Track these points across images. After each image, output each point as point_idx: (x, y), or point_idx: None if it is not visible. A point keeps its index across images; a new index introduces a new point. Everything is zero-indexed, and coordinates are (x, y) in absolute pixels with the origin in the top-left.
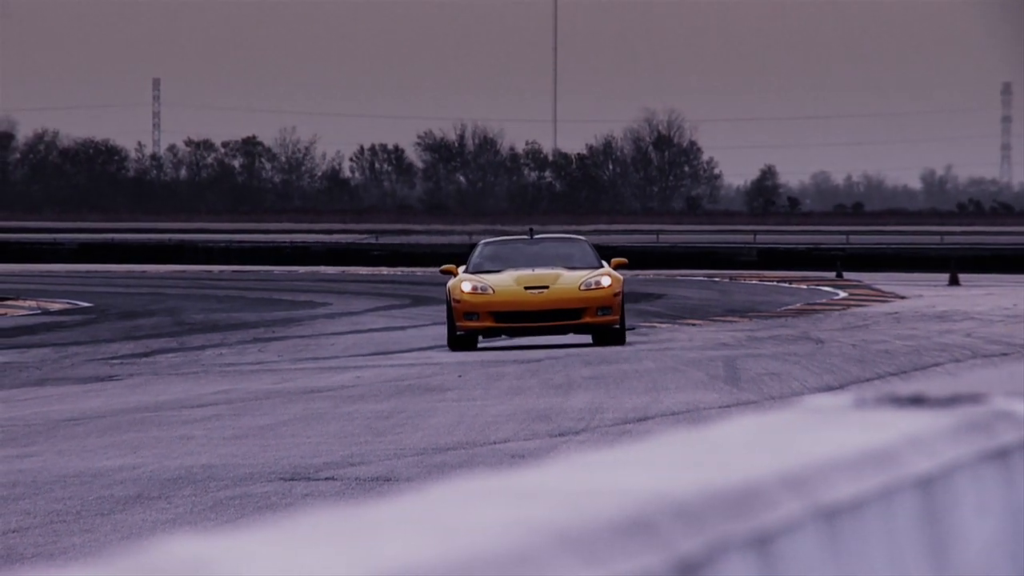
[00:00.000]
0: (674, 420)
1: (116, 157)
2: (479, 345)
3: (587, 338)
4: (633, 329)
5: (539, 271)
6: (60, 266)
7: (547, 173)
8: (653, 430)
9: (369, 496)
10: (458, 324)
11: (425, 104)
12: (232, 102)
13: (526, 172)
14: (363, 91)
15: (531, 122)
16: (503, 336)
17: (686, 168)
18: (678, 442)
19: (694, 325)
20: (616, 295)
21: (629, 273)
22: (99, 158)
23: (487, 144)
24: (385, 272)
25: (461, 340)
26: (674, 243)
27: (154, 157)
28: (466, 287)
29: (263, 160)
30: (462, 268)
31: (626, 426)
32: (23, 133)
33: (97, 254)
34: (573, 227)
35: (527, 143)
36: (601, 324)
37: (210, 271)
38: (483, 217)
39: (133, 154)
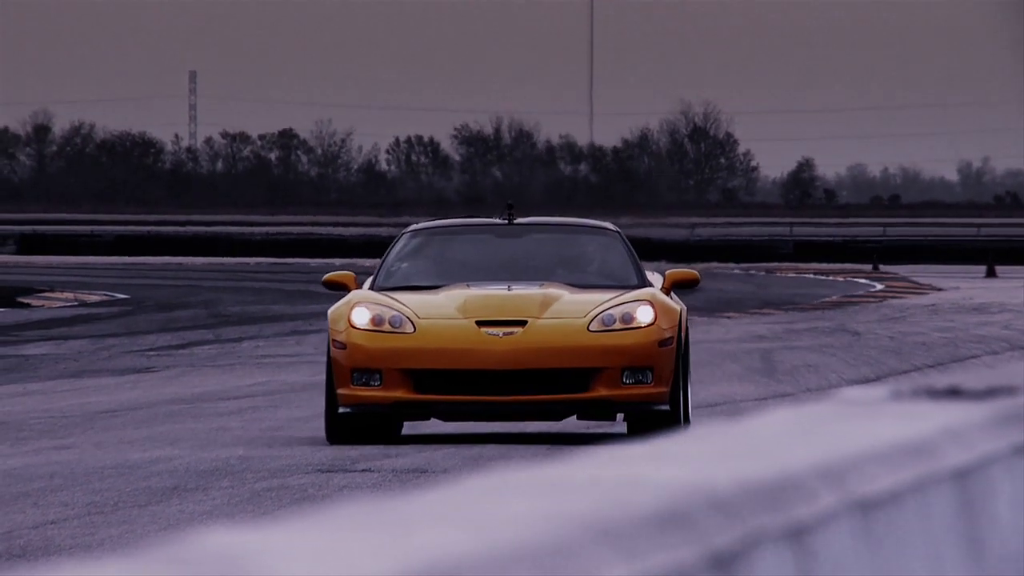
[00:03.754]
0: (711, 412)
1: (152, 150)
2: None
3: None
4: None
5: (515, 289)
6: (97, 258)
7: (583, 166)
8: (690, 423)
9: (406, 488)
10: (341, 392)
11: (461, 97)
12: (268, 95)
13: (562, 165)
14: (399, 84)
15: (567, 115)
16: (432, 418)
17: (722, 160)
18: (714, 435)
19: (730, 318)
20: (664, 342)
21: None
22: (135, 151)
23: (523, 137)
24: None
25: (347, 424)
26: (710, 236)
27: (190, 150)
28: (360, 317)
29: (299, 153)
30: (366, 281)
31: None
32: (60, 126)
33: (134, 246)
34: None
35: (562, 136)
36: (632, 400)
37: (247, 263)
38: (525, 209)
39: (169, 147)
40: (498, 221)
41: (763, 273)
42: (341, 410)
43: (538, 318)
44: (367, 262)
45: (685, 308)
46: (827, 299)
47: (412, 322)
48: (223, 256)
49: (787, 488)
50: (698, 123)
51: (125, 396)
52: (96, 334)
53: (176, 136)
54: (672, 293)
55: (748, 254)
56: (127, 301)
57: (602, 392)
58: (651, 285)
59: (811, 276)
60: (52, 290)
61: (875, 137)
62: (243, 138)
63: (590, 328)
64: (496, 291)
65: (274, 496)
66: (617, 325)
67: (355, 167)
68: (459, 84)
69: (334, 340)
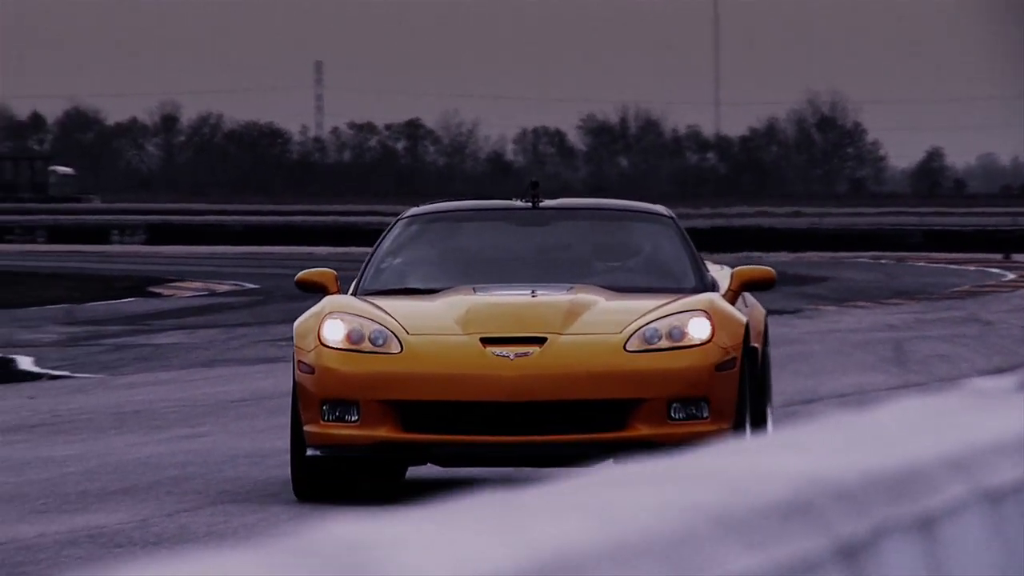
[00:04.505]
0: (841, 402)
1: (279, 140)
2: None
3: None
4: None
5: (539, 295)
6: (225, 248)
7: (710, 155)
8: (819, 412)
9: (528, 479)
10: (308, 429)
11: (587, 87)
12: (395, 85)
13: (688, 155)
14: (525, 74)
15: (693, 104)
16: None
17: (850, 150)
18: (840, 425)
19: (861, 307)
20: (723, 365)
21: (789, 258)
22: (263, 141)
23: (650, 127)
24: None
25: (317, 471)
26: (837, 225)
27: (317, 140)
28: (332, 332)
29: (426, 143)
30: (350, 284)
31: (791, 408)
32: (187, 116)
33: (262, 236)
34: (737, 210)
35: (688, 126)
36: (682, 440)
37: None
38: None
39: (296, 137)
40: (519, 204)
41: (893, 262)
42: (309, 452)
43: (560, 334)
44: None
45: (764, 314)
46: (958, 288)
47: (399, 339)
48: (350, 246)
49: (915, 478)
50: (826, 113)
51: (257, 385)
52: (227, 323)
53: (303, 127)
54: (745, 297)
55: (876, 243)
56: (257, 291)
57: (643, 431)
58: (713, 288)
59: (941, 265)
60: (182, 279)
61: (1005, 126)
62: (370, 128)
63: (627, 347)
64: (508, 297)
65: (405, 487)
66: (663, 343)
67: (482, 157)
68: (585, 74)
69: (300, 362)
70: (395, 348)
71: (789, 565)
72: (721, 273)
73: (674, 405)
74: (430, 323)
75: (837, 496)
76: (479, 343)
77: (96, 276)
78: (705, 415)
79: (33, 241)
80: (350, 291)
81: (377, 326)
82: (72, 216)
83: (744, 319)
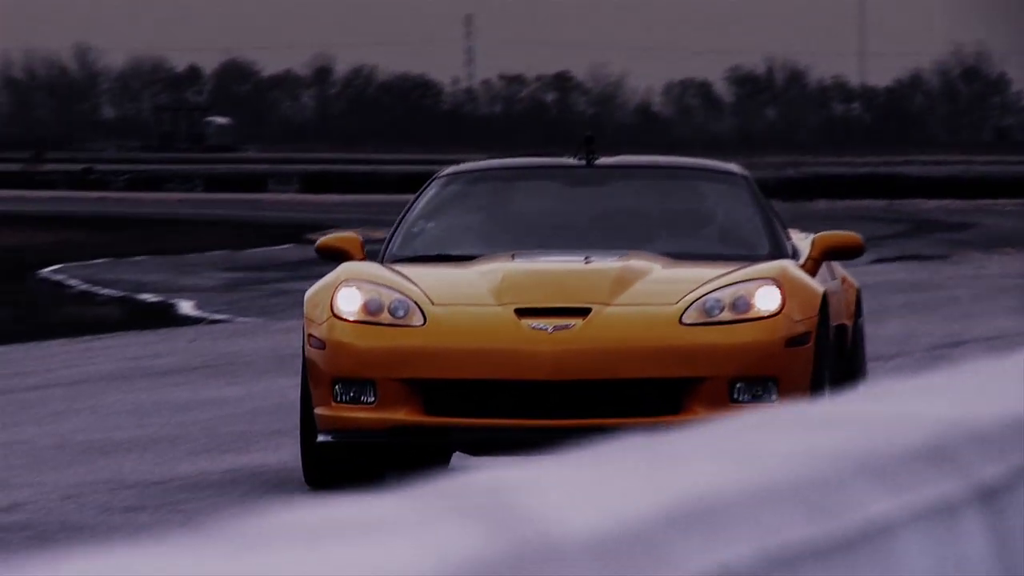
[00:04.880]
0: (987, 346)
1: (431, 91)
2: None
3: None
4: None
5: (589, 262)
6: (378, 196)
7: (855, 105)
8: (965, 357)
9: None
10: (319, 412)
11: (733, 38)
12: (544, 37)
13: (833, 105)
14: (672, 25)
15: (837, 56)
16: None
17: (995, 99)
18: (983, 371)
19: (1007, 253)
20: (795, 340)
21: (933, 206)
22: (415, 92)
23: (795, 77)
24: None
25: (332, 459)
26: (983, 173)
27: (468, 91)
28: (347, 302)
29: (575, 95)
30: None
31: (937, 351)
32: (340, 68)
33: (414, 185)
34: (884, 159)
35: (833, 77)
36: None
37: None
38: (794, 149)
39: (448, 88)
40: (571, 161)
41: None
42: (320, 438)
43: (607, 304)
44: None
45: (856, 288)
46: None
47: (422, 310)
48: None
49: None
50: (970, 64)
51: None
52: None
53: (454, 78)
54: (833, 268)
55: (1022, 191)
56: None
57: (701, 413)
58: (792, 256)
59: None
60: (337, 227)
61: None
62: (519, 80)
63: (684, 320)
64: (549, 264)
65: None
66: (725, 315)
67: (629, 108)
68: (731, 25)
69: (310, 336)
70: (417, 320)
71: (929, 508)
72: (804, 242)
73: (738, 385)
74: (459, 292)
75: (977, 440)
76: (513, 314)
77: (253, 223)
78: (773, 397)
79: (191, 190)
80: (382, 251)
81: (398, 295)
82: (229, 165)
83: (820, 289)
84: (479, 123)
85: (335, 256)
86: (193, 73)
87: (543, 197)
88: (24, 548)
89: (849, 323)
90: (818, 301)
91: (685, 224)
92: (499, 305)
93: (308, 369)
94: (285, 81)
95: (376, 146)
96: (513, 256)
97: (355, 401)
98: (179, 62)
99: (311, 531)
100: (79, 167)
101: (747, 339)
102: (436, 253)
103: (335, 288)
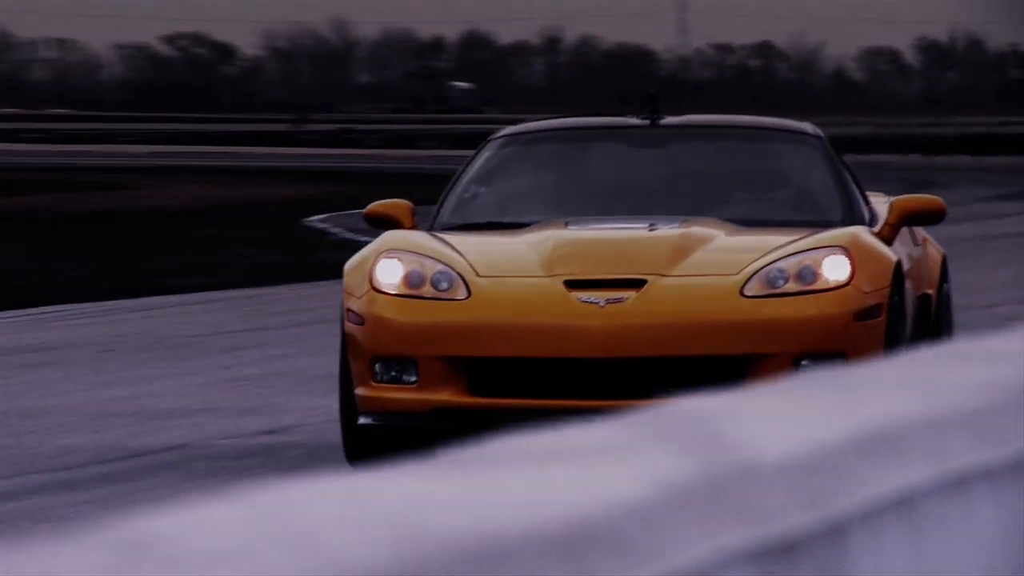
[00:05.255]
0: None
1: (649, 59)
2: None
3: None
4: None
5: (654, 228)
6: None
7: None
8: None
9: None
10: (360, 392)
11: (918, 9)
12: (750, 9)
13: (1009, 70)
14: None
15: (1014, 25)
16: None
17: None
18: None
19: None
20: (864, 313)
21: None
22: (635, 60)
23: (975, 44)
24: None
25: (369, 440)
26: None
27: (682, 59)
28: (387, 273)
29: (776, 61)
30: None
31: None
32: (569, 37)
33: None
34: None
35: (1009, 44)
36: None
37: None
38: (975, 110)
39: (664, 56)
40: (635, 121)
41: None
42: (361, 420)
43: (663, 275)
44: None
45: (941, 254)
46: None
47: (466, 282)
48: None
49: None
50: None
51: None
52: None
53: (669, 46)
54: (914, 233)
55: None
56: None
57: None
58: (871, 222)
59: None
60: None
61: None
62: (727, 49)
63: (745, 291)
64: (603, 232)
65: None
66: (790, 286)
67: (826, 74)
68: None
69: (349, 310)
70: (461, 293)
71: None
72: (883, 206)
73: (803, 362)
74: (506, 263)
75: None
76: (563, 287)
77: None
78: None
79: (439, 147)
80: (427, 227)
81: (441, 266)
82: (471, 125)
83: (894, 258)
84: (694, 87)
85: (384, 223)
86: (437, 43)
87: (604, 159)
88: (297, 466)
89: (933, 292)
90: (891, 270)
91: (753, 188)
92: (548, 276)
93: (347, 346)
94: (519, 50)
95: (600, 108)
96: (567, 223)
97: (396, 381)
98: (425, 33)
99: (537, 455)
100: (337, 127)
101: (813, 312)
102: (488, 220)
103: (375, 259)
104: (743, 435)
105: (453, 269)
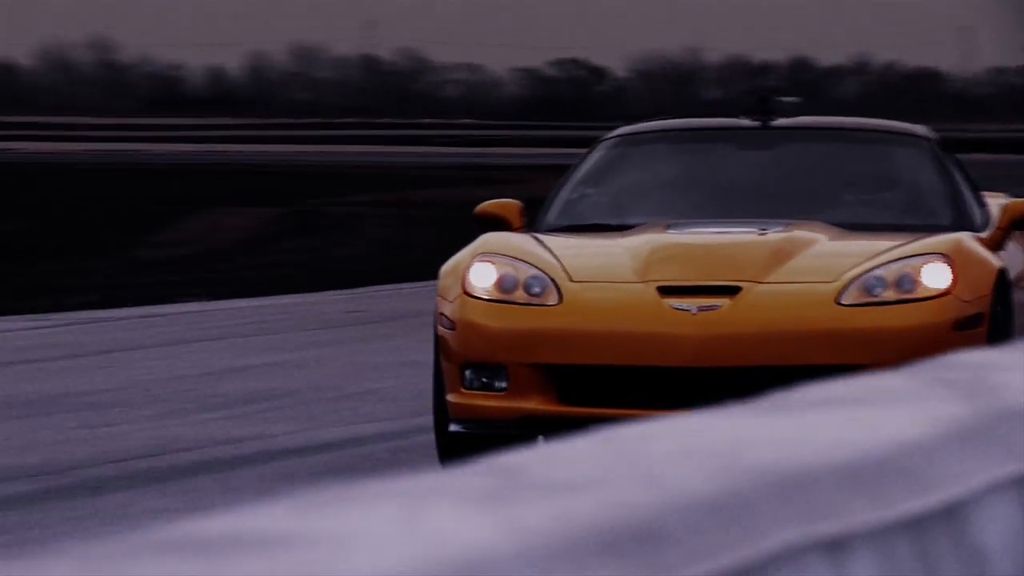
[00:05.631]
0: None
1: (940, 79)
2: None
3: None
4: None
5: (764, 232)
6: None
7: None
8: None
9: None
10: (451, 399)
11: None
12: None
13: None
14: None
15: None
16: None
17: None
18: None
19: None
20: (964, 323)
21: None
22: (928, 80)
23: None
24: None
25: (461, 447)
26: None
27: (972, 78)
28: (480, 277)
29: None
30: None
31: None
32: (876, 61)
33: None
34: None
35: None
36: None
37: None
38: None
39: (954, 76)
40: (746, 123)
41: None
42: (452, 428)
43: (759, 282)
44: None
45: None
46: None
47: (558, 287)
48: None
49: None
50: None
51: None
52: None
53: (959, 68)
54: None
55: None
56: None
57: None
58: (982, 227)
59: None
60: None
61: None
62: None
63: (841, 300)
64: (700, 237)
65: None
66: (888, 294)
67: None
68: None
69: (441, 314)
70: (552, 299)
71: None
72: (998, 208)
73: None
74: (600, 267)
75: None
76: (655, 293)
77: None
78: None
79: None
80: (532, 229)
81: (535, 271)
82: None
83: (998, 265)
84: (979, 100)
85: (492, 224)
86: (766, 66)
87: (713, 161)
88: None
89: None
90: (993, 278)
91: (862, 190)
92: (641, 282)
93: (439, 351)
94: (836, 71)
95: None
96: (667, 227)
97: (486, 388)
98: (758, 57)
99: (836, 401)
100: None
101: (911, 322)
102: (592, 222)
103: (469, 262)
104: (1012, 383)
105: (547, 273)
